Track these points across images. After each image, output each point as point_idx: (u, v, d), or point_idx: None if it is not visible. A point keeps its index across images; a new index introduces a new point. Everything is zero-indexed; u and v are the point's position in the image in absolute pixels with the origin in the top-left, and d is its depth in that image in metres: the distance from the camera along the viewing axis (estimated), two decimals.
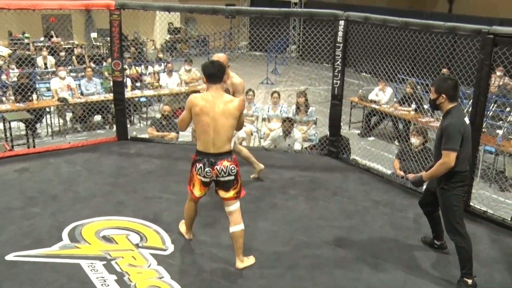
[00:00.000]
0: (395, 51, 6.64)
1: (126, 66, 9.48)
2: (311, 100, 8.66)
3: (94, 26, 16.02)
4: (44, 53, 11.28)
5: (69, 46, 14.14)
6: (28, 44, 13.74)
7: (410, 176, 3.87)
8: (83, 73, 10.19)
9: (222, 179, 3.66)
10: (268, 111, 8.00)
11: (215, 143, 3.61)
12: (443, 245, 4.10)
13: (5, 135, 7.65)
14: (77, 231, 4.20)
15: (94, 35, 16.06)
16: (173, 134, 7.33)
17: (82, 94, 9.16)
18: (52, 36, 14.69)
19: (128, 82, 9.48)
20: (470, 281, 3.60)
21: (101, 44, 15.01)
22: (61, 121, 8.73)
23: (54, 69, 10.58)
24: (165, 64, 10.56)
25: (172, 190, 5.09)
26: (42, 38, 14.80)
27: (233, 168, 3.66)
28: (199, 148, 3.67)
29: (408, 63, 5.15)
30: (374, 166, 6.32)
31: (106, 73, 10.30)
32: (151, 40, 17.25)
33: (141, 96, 9.57)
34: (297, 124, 7.53)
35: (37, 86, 9.60)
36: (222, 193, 3.72)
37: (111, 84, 6.87)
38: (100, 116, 9.03)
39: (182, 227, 4.24)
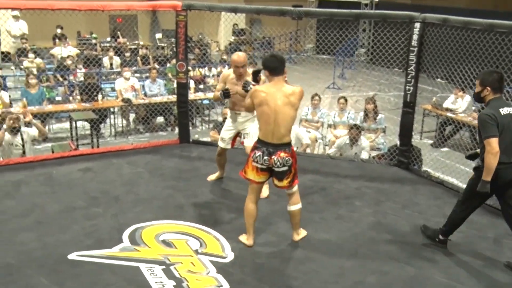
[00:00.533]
0: (476, 56, 6.34)
1: (189, 68, 9.69)
2: (380, 106, 8.47)
3: (159, 26, 16.52)
4: (111, 53, 11.74)
5: (134, 46, 14.65)
6: (95, 44, 14.36)
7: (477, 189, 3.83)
8: (147, 74, 10.52)
9: (277, 169, 3.94)
10: (334, 117, 7.89)
11: (274, 133, 3.88)
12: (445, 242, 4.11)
13: (71, 134, 8.05)
14: (137, 233, 4.30)
15: (159, 35, 16.55)
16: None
17: (145, 95, 9.45)
18: (118, 37, 15.29)
19: (192, 84, 9.69)
20: None
21: (165, 45, 15.45)
22: (124, 121, 9.05)
23: (119, 69, 11.00)
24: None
25: (233, 196, 5.11)
26: (108, 39, 15.40)
27: (288, 160, 3.94)
28: (260, 137, 3.95)
29: (491, 68, 4.92)
30: (448, 180, 6.05)
31: (170, 75, 10.58)
32: (215, 42, 17.56)
33: (204, 99, 9.73)
34: (365, 132, 7.37)
35: (102, 86, 10.03)
36: (276, 182, 4.08)
37: (175, 85, 7.03)
38: (162, 117, 9.27)
39: (243, 236, 4.26)
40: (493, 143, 3.59)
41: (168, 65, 11.19)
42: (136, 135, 8.87)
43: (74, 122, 7.79)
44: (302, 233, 4.35)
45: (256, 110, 3.95)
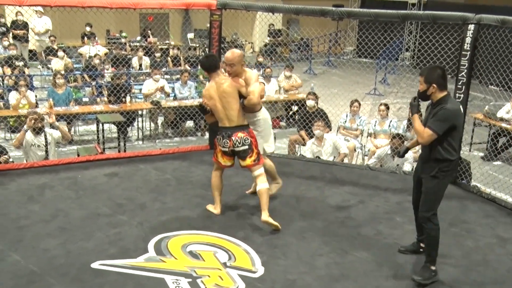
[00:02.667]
0: None
1: (222, 70, 9.77)
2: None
3: (191, 26, 16.72)
4: (140, 53, 11.94)
5: (165, 46, 14.86)
6: (124, 43, 14.61)
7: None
8: (177, 76, 10.66)
9: (237, 148, 4.68)
10: (374, 125, 7.82)
11: (228, 118, 4.68)
12: None
13: (97, 137, 8.21)
14: (163, 243, 4.36)
15: (191, 35, 16.76)
16: None
17: (175, 97, 9.57)
18: (148, 36, 15.54)
19: None
20: (434, 268, 3.97)
21: (197, 45, 15.62)
22: (153, 125, 9.19)
23: (148, 70, 11.18)
24: (263, 69, 10.74)
25: None
26: (138, 38, 15.67)
27: (246, 139, 4.67)
28: (219, 125, 4.74)
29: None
30: (501, 196, 5.90)
31: (201, 77, 10.69)
32: (250, 43, 17.65)
33: None
34: (408, 142, 7.26)
35: (133, 87, 10.20)
36: (241, 162, 4.75)
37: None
38: (192, 122, 9.37)
39: (210, 206, 4.96)
40: (431, 138, 3.75)
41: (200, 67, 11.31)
42: (164, 140, 8.99)
43: (101, 125, 7.95)
44: (274, 222, 4.66)
45: (210, 106, 4.75)
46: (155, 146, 8.43)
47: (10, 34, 13.02)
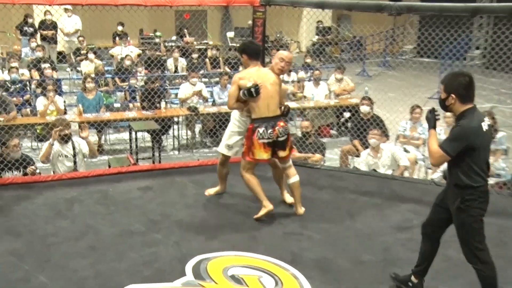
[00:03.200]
0: None
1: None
2: (500, 122, 8.06)
3: (231, 24, 16.82)
4: (176, 54, 12.06)
5: (203, 47, 14.99)
6: (159, 44, 14.82)
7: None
8: (217, 79, 10.71)
9: (281, 138, 5.08)
10: (439, 134, 7.62)
11: (269, 107, 5.06)
12: (420, 285, 4.00)
13: (130, 146, 8.31)
14: (202, 266, 4.33)
15: (230, 34, 16.87)
16: (317, 156, 7.33)
17: (214, 103, 9.61)
18: (185, 35, 15.71)
19: None
20: None
21: (238, 45, 15.71)
22: (190, 133, 9.25)
23: (185, 73, 11.29)
24: (311, 71, 10.69)
25: (315, 226, 5.05)
26: (174, 37, 15.86)
27: (287, 128, 5.17)
28: (257, 116, 5.06)
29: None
30: None
31: None
32: (296, 42, 17.62)
33: None
34: None
35: (169, 91, 10.31)
36: (281, 153, 5.15)
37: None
38: None
39: (262, 211, 5.14)
40: (441, 159, 3.65)
41: (241, 68, 11.33)
42: (203, 150, 9.03)
43: (133, 133, 8.04)
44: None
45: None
46: (193, 157, 8.47)
47: (38, 35, 13.37)
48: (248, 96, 5.03)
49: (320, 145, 7.45)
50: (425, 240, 3.99)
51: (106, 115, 8.83)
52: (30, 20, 13.49)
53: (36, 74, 10.66)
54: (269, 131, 5.02)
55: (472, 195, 3.60)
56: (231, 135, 5.51)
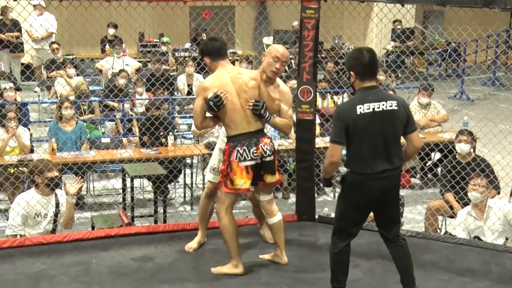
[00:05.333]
0: None
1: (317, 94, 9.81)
2: None
3: (269, 26, 17.02)
4: (190, 69, 12.15)
5: (229, 58, 15.13)
6: (166, 53, 14.95)
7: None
8: None
9: (267, 159, 5.48)
10: None
11: (249, 120, 5.45)
12: None
13: (123, 199, 8.37)
14: None
15: (268, 40, 17.03)
16: None
17: None
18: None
19: (317, 120, 9.75)
20: None
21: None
22: (206, 179, 9.30)
23: None
24: (386, 89, 10.68)
25: None
26: (188, 45, 15.97)
27: (272, 146, 5.56)
28: (234, 132, 5.43)
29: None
30: None
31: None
32: None
33: None
34: None
35: (176, 122, 10.38)
36: (269, 178, 5.57)
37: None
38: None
39: (228, 267, 5.60)
40: (335, 151, 4.82)
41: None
42: None
43: (128, 180, 8.09)
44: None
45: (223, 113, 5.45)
46: None
47: None
48: (209, 111, 5.45)
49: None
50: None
51: (90, 155, 8.89)
52: None
53: None
54: (252, 149, 5.38)
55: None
56: (219, 155, 5.86)
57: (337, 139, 4.77)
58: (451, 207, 7.47)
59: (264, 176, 5.54)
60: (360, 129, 4.71)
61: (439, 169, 9.21)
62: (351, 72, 4.78)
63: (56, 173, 6.52)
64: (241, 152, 5.36)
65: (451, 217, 7.42)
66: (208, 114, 5.54)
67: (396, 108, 4.78)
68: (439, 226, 7.60)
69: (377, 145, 4.79)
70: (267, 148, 5.45)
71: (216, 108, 5.35)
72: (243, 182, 5.42)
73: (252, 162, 5.40)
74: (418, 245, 6.25)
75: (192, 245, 6.16)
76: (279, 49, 5.73)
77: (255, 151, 5.38)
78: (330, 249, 5.01)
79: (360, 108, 4.71)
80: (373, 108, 4.72)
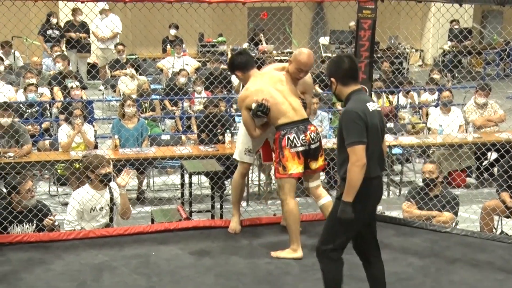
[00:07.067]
0: None
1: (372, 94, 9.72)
2: None
3: (326, 26, 16.93)
4: None
5: (285, 57, 15.09)
6: (225, 53, 14.99)
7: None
8: None
9: (313, 145, 5.77)
10: None
11: (294, 108, 5.78)
12: None
13: (182, 194, 8.41)
14: None
15: (325, 40, 16.94)
16: (447, 216, 7.18)
17: None
18: (260, 42, 15.82)
19: None
20: None
21: (333, 55, 15.76)
22: (263, 177, 9.28)
23: None
24: (439, 91, 10.54)
25: None
26: (245, 45, 15.99)
27: (318, 133, 5.89)
28: (282, 122, 5.71)
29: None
30: None
31: (338, 105, 10.69)
32: (418, 51, 17.47)
33: (394, 146, 9.62)
34: None
35: (234, 119, 10.40)
36: (313, 164, 5.85)
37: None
38: (323, 174, 9.33)
39: (288, 252, 5.84)
40: (359, 152, 4.47)
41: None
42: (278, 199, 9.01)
43: (187, 176, 8.13)
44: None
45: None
46: (267, 211, 8.48)
47: (64, 41, 13.77)
48: (260, 118, 5.80)
49: (451, 199, 7.29)
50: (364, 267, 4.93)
51: (151, 151, 8.93)
52: (54, 20, 13.79)
53: (59, 94, 10.96)
54: (301, 136, 5.71)
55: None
56: (246, 136, 6.16)
57: (361, 139, 4.50)
58: (507, 207, 7.34)
59: (310, 163, 5.82)
60: (373, 129, 4.61)
61: (495, 169, 9.08)
62: (331, 79, 4.75)
63: (108, 169, 6.60)
64: (292, 138, 5.67)
65: (507, 217, 7.30)
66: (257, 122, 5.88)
67: (379, 109, 4.78)
68: (495, 226, 7.48)
69: (380, 145, 4.74)
70: (314, 136, 5.76)
71: (265, 114, 5.70)
72: (295, 167, 5.71)
73: (302, 148, 5.70)
74: (473, 245, 6.17)
75: (235, 227, 6.42)
76: (303, 59, 5.85)
77: (303, 137, 5.69)
78: (329, 266, 4.75)
79: (369, 105, 4.65)
80: (374, 108, 4.69)
